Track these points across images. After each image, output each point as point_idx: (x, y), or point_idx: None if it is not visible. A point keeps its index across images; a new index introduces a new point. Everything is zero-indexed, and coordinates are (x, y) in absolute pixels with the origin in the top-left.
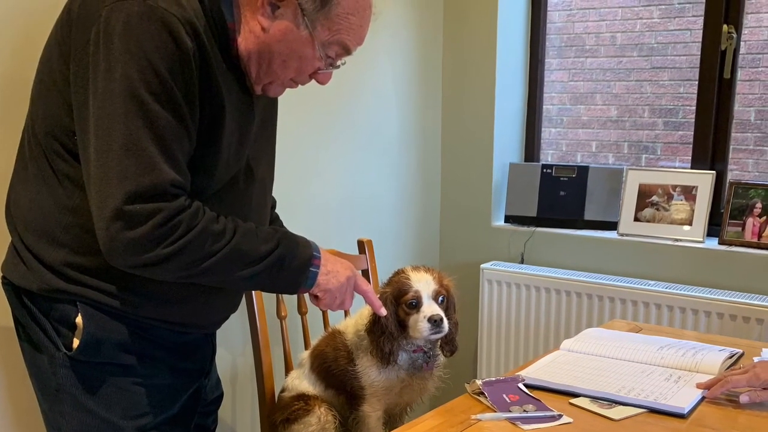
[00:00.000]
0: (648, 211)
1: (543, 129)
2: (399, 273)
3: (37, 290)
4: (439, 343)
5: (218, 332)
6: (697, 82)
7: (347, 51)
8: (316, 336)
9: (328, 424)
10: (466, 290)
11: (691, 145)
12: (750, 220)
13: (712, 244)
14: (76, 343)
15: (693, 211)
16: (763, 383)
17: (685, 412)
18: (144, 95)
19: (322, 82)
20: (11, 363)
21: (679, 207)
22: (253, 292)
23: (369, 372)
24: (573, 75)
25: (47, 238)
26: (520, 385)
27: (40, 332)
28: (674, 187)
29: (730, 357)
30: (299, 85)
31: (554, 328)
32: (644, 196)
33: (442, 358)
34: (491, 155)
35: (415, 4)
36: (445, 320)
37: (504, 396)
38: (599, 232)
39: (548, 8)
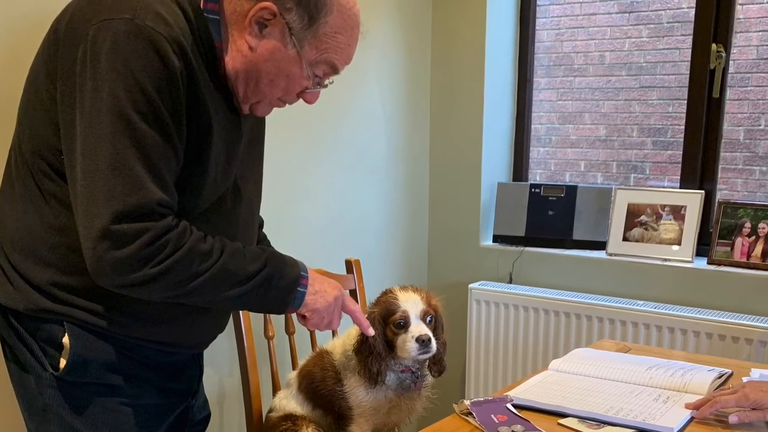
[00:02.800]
0: (637, 231)
1: (531, 148)
2: (387, 293)
3: (24, 310)
4: (427, 363)
5: (205, 352)
6: (686, 102)
7: (335, 70)
8: (304, 356)
9: None
10: (454, 310)
11: (679, 165)
12: (739, 240)
13: (701, 263)
14: (62, 363)
15: (682, 230)
16: (753, 403)
17: None
18: (131, 114)
19: (309, 102)
20: None
21: (667, 226)
22: (240, 312)
23: (357, 392)
24: (561, 94)
25: (34, 258)
26: (509, 405)
27: (26, 352)
28: (663, 206)
29: (719, 377)
30: (287, 105)
31: (542, 348)
32: (633, 215)
33: (430, 378)
34: (479, 175)
35: (403, 23)
36: (433, 340)
37: (492, 416)
38: (588, 251)
39: (537, 27)
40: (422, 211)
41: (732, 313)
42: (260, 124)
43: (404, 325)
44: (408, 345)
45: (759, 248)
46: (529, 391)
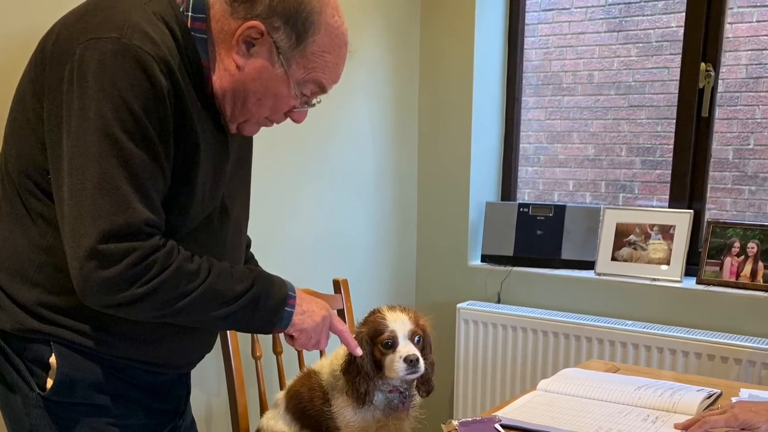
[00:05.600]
0: (625, 251)
1: (520, 168)
2: (375, 313)
3: (11, 330)
4: (415, 383)
5: (193, 372)
6: (674, 121)
7: (322, 89)
8: (292, 376)
9: None
10: (442, 330)
11: (668, 184)
12: (728, 260)
13: (690, 283)
14: (49, 383)
15: (671, 250)
16: (741, 424)
17: None
18: (118, 134)
19: (297, 121)
20: None
21: (656, 246)
22: (227, 331)
23: (344, 412)
24: (550, 113)
25: (21, 278)
26: (497, 426)
27: (13, 372)
28: (652, 226)
29: (708, 397)
30: (274, 124)
31: (531, 368)
32: (621, 235)
33: (418, 399)
34: (467, 194)
35: (390, 41)
36: (421, 360)
37: None
38: (576, 271)
39: (525, 46)
40: (410, 230)
41: (721, 333)
42: (248, 143)
43: (392, 345)
44: (396, 365)
45: (748, 268)
46: (518, 411)
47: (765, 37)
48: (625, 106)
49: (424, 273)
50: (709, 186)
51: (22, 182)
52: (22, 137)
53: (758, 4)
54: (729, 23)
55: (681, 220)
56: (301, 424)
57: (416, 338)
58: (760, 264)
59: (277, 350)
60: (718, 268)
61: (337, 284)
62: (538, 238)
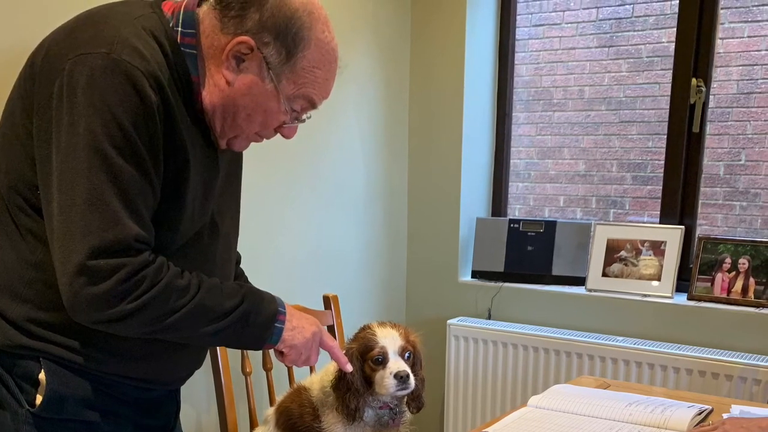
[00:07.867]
0: (616, 267)
1: (510, 183)
2: (365, 329)
3: (0, 346)
4: (405, 400)
5: (183, 388)
6: (665, 136)
7: (313, 105)
8: (282, 392)
9: None
10: (432, 346)
11: (659, 200)
12: (719, 276)
13: (681, 299)
14: (39, 399)
15: (662, 266)
16: None
17: None
18: (108, 149)
19: (287, 136)
20: None
21: (647, 262)
22: (217, 347)
23: (335, 429)
24: (540, 129)
25: (10, 294)
26: None
27: (2, 388)
28: (643, 242)
29: (699, 413)
30: (264, 139)
31: (521, 385)
32: (612, 251)
33: (408, 415)
34: (458, 210)
35: (381, 57)
36: (412, 376)
37: None
38: (567, 287)
39: (515, 61)
40: (401, 246)
41: (712, 349)
42: (237, 159)
43: (382, 361)
44: (386, 381)
45: (739, 284)
46: (508, 427)
47: (756, 53)
48: (615, 122)
49: (415, 289)
50: (700, 202)
51: (12, 198)
52: (11, 153)
53: (749, 20)
54: (720, 38)
55: (672, 235)
56: None
57: (406, 354)
58: (752, 280)
59: (267, 366)
60: (709, 284)
61: (327, 300)
62: (529, 254)
